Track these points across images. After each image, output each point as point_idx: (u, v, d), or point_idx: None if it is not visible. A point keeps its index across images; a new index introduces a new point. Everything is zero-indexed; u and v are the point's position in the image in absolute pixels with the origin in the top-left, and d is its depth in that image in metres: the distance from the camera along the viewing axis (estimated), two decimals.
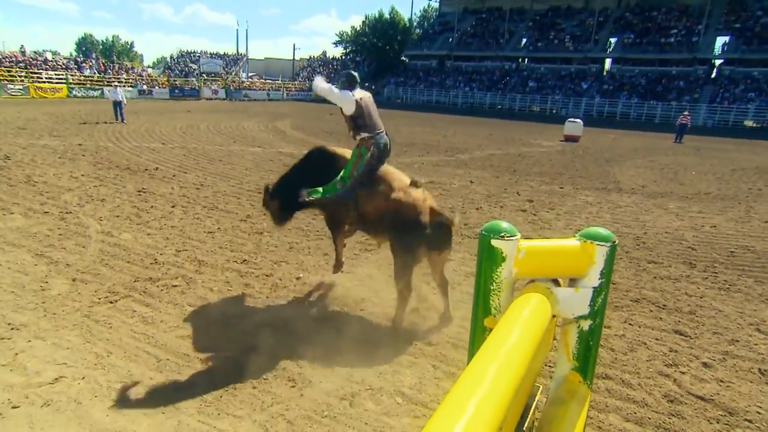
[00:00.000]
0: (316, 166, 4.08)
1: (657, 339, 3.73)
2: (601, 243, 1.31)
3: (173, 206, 6.87)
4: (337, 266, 4.41)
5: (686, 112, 24.04)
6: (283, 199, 4.11)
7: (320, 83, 3.74)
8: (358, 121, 3.76)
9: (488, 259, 1.23)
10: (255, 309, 3.92)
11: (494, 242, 1.22)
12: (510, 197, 8.64)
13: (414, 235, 3.49)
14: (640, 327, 3.90)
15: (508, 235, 1.23)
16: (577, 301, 1.31)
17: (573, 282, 1.37)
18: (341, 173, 3.80)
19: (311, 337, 3.53)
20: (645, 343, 3.65)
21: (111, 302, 3.88)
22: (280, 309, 3.96)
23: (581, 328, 1.35)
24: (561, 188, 9.71)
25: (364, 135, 3.77)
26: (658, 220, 7.45)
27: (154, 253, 5.01)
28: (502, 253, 1.23)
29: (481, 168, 11.77)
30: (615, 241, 1.32)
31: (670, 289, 4.71)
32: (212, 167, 9.99)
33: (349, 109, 3.72)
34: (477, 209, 7.62)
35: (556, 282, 1.36)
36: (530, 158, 14.10)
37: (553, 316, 1.31)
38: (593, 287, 1.32)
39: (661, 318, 4.09)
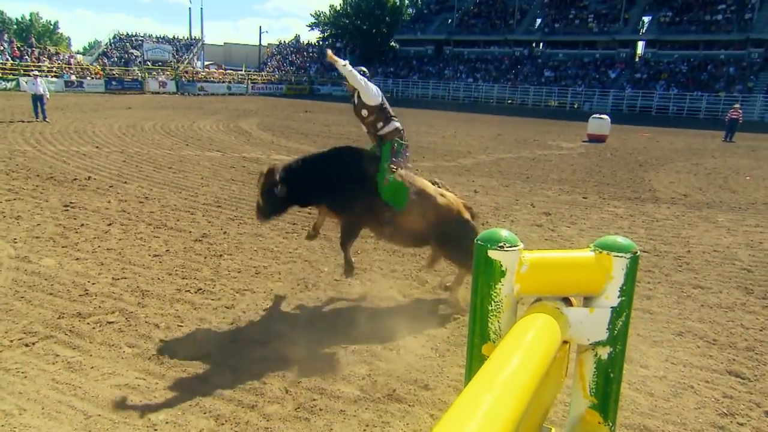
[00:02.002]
0: (341, 166, 4.42)
1: (707, 381, 3.76)
2: (620, 254, 1.35)
3: (110, 224, 6.83)
4: (349, 269, 4.76)
5: (737, 105, 24.30)
6: (292, 190, 4.34)
7: (344, 62, 4.12)
8: (387, 111, 4.09)
9: (485, 273, 1.27)
10: (212, 351, 3.90)
11: (492, 254, 1.26)
12: (523, 210, 8.75)
13: (472, 236, 3.88)
14: (685, 366, 3.94)
15: (508, 244, 1.27)
16: (593, 323, 1.35)
17: (587, 301, 1.41)
18: (380, 174, 4.25)
19: (287, 382, 3.52)
20: (692, 387, 3.68)
21: (26, 345, 3.83)
22: (243, 348, 3.94)
23: (599, 356, 1.38)
24: (584, 198, 9.85)
25: (396, 125, 4.06)
26: (704, 235, 7.57)
27: (85, 282, 4.97)
28: (501, 266, 1.27)
29: (487, 175, 11.91)
30: (636, 252, 1.37)
31: (722, 320, 4.77)
32: (159, 176, 9.98)
33: (375, 99, 4.00)
34: (483, 225, 7.69)
35: (567, 301, 1.40)
36: (547, 163, 14.30)
37: (565, 342, 1.35)
38: (612, 307, 1.36)
39: (711, 355, 4.13)
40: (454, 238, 4.27)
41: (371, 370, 3.73)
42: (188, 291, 4.90)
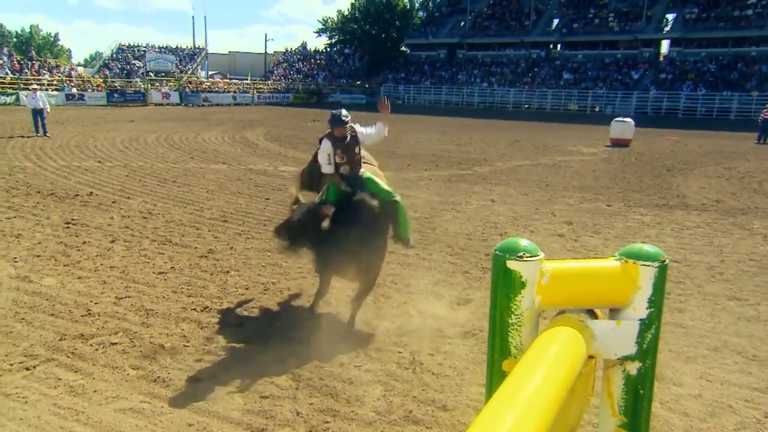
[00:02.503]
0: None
1: (747, 401, 3.69)
2: (647, 263, 1.35)
3: (113, 241, 6.92)
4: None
5: None
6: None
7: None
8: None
9: (504, 285, 1.27)
10: (220, 372, 3.92)
11: (511, 264, 1.26)
12: (543, 219, 8.71)
13: None
14: (722, 384, 3.88)
15: (528, 254, 1.27)
16: (620, 337, 1.34)
17: (614, 313, 1.40)
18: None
19: (298, 404, 3.52)
20: (731, 406, 3.61)
21: (27, 369, 3.87)
22: (252, 368, 3.95)
23: (627, 372, 1.37)
24: (608, 206, 9.79)
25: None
26: (739, 244, 7.49)
27: (87, 302, 5.03)
28: (521, 277, 1.27)
29: (504, 183, 11.88)
30: (665, 260, 1.36)
31: (761, 334, 4.70)
32: (163, 190, 10.11)
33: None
34: (501, 235, 7.67)
35: (592, 313, 1.39)
36: (568, 169, 14.24)
37: (591, 357, 1.34)
38: (640, 319, 1.36)
39: (750, 372, 4.06)
40: None
41: (386, 390, 3.72)
42: (194, 309, 4.94)
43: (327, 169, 4.73)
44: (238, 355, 4.17)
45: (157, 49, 52.32)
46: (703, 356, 4.28)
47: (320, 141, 4.80)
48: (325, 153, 4.69)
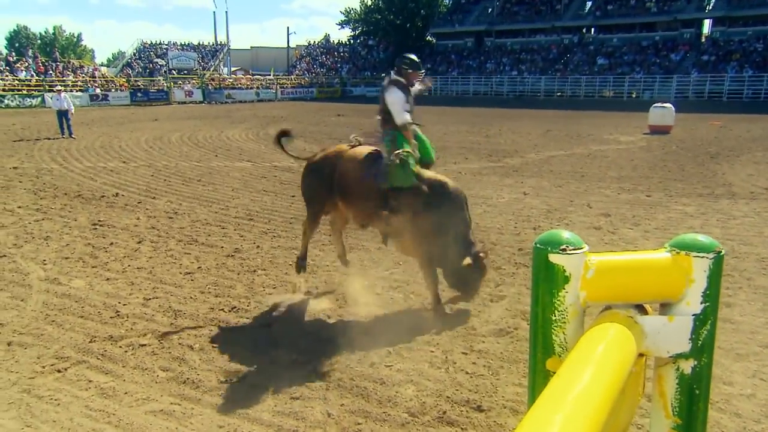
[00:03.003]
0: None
1: None
2: (701, 254, 1.30)
3: (139, 242, 7.06)
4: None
5: None
6: None
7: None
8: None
9: (546, 280, 1.24)
10: (249, 373, 3.96)
11: (553, 258, 1.23)
12: (578, 211, 8.57)
13: None
14: None
15: (571, 247, 1.24)
16: (673, 333, 1.30)
17: (665, 308, 1.35)
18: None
19: (329, 405, 3.53)
20: None
21: (59, 371, 3.98)
22: (281, 369, 3.98)
23: (681, 371, 1.33)
24: (648, 197, 9.58)
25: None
26: None
27: (116, 303, 5.14)
28: (564, 271, 1.23)
29: (537, 175, 11.73)
30: (720, 251, 1.31)
31: None
32: (188, 190, 10.28)
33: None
34: (534, 229, 7.57)
35: (641, 309, 1.35)
36: (604, 159, 13.98)
37: (641, 355, 1.30)
38: (694, 315, 1.31)
39: None
40: None
41: (419, 390, 3.71)
42: (222, 310, 5.00)
43: (405, 117, 4.64)
44: (267, 355, 4.20)
45: (179, 47, 53.23)
46: (756, 353, 4.16)
47: (385, 89, 4.68)
48: (402, 99, 4.59)
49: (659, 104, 20.69)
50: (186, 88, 41.79)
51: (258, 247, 6.86)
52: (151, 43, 53.62)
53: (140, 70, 47.86)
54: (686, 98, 35.78)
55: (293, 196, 9.67)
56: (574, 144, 17.01)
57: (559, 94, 43.13)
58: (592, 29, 47.94)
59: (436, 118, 25.74)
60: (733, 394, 3.63)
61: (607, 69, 42.88)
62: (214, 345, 4.35)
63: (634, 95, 39.46)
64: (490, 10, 53.15)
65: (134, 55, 51.57)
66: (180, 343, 4.36)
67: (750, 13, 39.25)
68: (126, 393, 3.70)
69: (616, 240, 7.06)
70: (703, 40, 42.40)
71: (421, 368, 3.98)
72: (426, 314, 4.90)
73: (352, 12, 62.91)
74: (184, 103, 39.67)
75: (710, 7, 42.09)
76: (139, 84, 41.39)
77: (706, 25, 43.04)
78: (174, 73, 46.05)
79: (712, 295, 1.31)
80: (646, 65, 41.30)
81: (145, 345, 4.34)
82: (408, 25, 57.96)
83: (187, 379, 3.86)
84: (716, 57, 39.17)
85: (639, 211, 8.54)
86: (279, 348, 4.31)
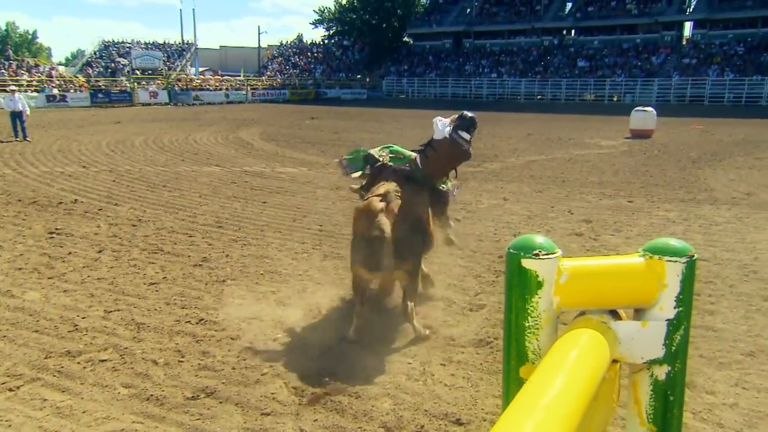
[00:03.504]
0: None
1: None
2: (674, 258, 1.34)
3: (100, 251, 6.95)
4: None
5: None
6: None
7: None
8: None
9: (520, 285, 1.26)
10: (218, 388, 3.92)
11: (526, 263, 1.26)
12: (559, 217, 8.69)
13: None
14: (759, 392, 3.84)
15: (544, 252, 1.27)
16: (647, 339, 1.34)
17: (639, 314, 1.39)
18: None
19: (301, 420, 3.52)
20: None
21: (11, 389, 3.88)
22: (251, 383, 3.95)
23: (655, 377, 1.36)
24: (630, 202, 9.77)
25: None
26: None
27: (74, 316, 5.04)
28: (537, 276, 1.26)
29: (517, 180, 11.87)
30: (693, 256, 1.36)
31: None
32: (153, 196, 10.15)
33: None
34: (514, 236, 7.62)
35: (615, 314, 1.38)
36: (585, 164, 14.22)
37: (615, 361, 1.33)
38: (668, 320, 1.35)
39: None
40: None
41: (396, 404, 3.71)
42: (189, 322, 4.94)
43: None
44: (236, 369, 4.17)
45: (143, 46, 52.60)
46: (738, 362, 4.25)
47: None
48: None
49: (640, 108, 21.14)
50: (151, 89, 41.31)
51: (227, 255, 6.81)
52: (114, 41, 52.88)
53: (101, 69, 47.13)
54: (668, 102, 36.64)
55: (264, 203, 9.63)
56: (555, 148, 17.26)
57: (539, 97, 43.78)
58: (573, 31, 48.80)
59: (414, 122, 25.88)
60: (716, 403, 3.70)
61: (588, 72, 43.67)
62: (181, 359, 4.29)
63: (615, 98, 40.26)
64: (468, 10, 53.72)
65: (95, 53, 50.77)
66: (143, 358, 4.30)
67: (731, 16, 40.39)
68: (84, 412, 3.62)
69: (598, 247, 7.18)
70: (684, 42, 43.48)
71: (398, 381, 3.99)
72: (405, 326, 4.91)
73: (326, 11, 63.05)
74: (149, 104, 39.21)
75: (691, 9, 43.18)
76: (101, 84, 40.80)
77: (687, 28, 44.20)
78: (138, 73, 45.51)
79: (685, 299, 1.34)
80: (627, 68, 42.17)
81: (105, 360, 4.27)
82: (384, 25, 58.22)
83: (151, 396, 3.81)
84: (697, 60, 40.19)
85: (621, 217, 8.70)
86: (248, 361, 4.28)
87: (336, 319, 5.05)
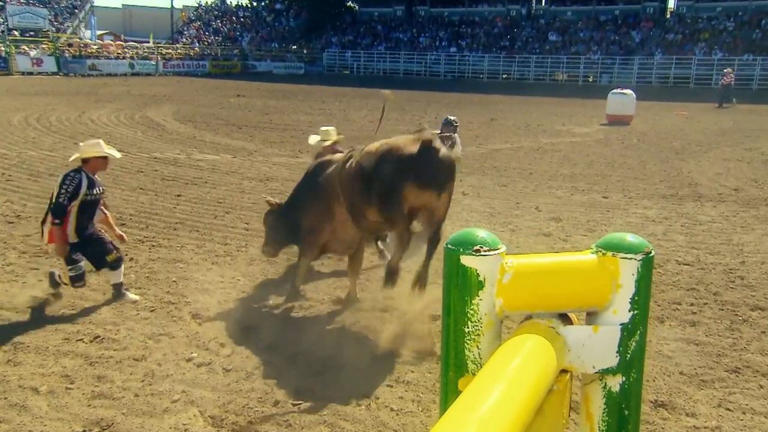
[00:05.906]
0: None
1: None
2: (629, 255, 1.40)
3: None
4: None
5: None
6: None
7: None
8: None
9: (459, 286, 1.30)
10: (116, 419, 3.85)
11: (465, 260, 1.30)
12: (525, 215, 8.89)
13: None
14: (744, 413, 3.98)
15: (486, 248, 1.31)
16: (599, 345, 1.39)
17: (591, 317, 1.46)
18: None
19: None
20: None
21: None
22: (156, 414, 3.90)
23: (609, 388, 1.42)
24: (605, 198, 10.06)
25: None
26: (763, 241, 7.77)
27: None
28: (478, 275, 1.31)
29: (479, 172, 12.06)
30: (650, 252, 1.42)
31: None
32: (36, 187, 9.80)
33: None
34: None
35: (566, 318, 1.45)
36: (556, 154, 14.57)
37: (564, 371, 1.39)
38: (622, 324, 1.41)
39: None
40: None
41: None
42: (81, 340, 4.82)
43: None
44: (139, 396, 4.10)
45: (22, 1, 50.39)
46: (721, 379, 4.40)
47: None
48: None
49: (618, 90, 21.74)
50: (33, 54, 39.68)
51: (131, 259, 6.65)
52: None
53: None
54: (649, 83, 37.70)
55: (178, 196, 9.47)
56: (522, 136, 17.59)
57: (505, 76, 44.39)
58: (543, 0, 49.67)
59: (360, 102, 25.90)
60: (697, 426, 3.83)
61: (560, 47, 44.53)
62: (69, 386, 4.19)
63: (590, 79, 41.13)
64: None
65: None
66: (21, 386, 4.17)
67: None
68: None
69: (569, 248, 7.31)
70: (668, 15, 44.80)
71: (337, 406, 4.00)
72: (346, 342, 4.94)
73: None
74: (31, 74, 37.70)
75: None
76: None
77: (672, 0, 45.50)
78: (16, 34, 43.59)
79: (641, 301, 1.41)
80: (604, 44, 43.21)
81: None
82: None
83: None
84: (682, 36, 41.51)
85: (594, 215, 8.93)
86: (152, 386, 4.21)
87: (264, 334, 5.03)
